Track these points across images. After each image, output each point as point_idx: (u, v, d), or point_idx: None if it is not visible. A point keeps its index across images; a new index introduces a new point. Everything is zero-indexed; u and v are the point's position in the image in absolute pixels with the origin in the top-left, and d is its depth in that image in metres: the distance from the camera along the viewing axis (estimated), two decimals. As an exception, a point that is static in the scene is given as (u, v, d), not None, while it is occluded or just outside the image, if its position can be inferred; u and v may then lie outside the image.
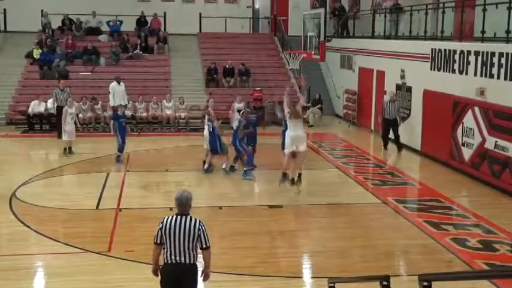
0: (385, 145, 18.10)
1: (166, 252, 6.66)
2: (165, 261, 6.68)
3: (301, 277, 9.35)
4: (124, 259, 9.52)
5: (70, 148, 16.69)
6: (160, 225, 6.69)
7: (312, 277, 9.35)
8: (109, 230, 10.72)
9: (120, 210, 11.97)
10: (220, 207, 12.35)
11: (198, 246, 6.71)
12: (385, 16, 20.95)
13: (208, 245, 6.74)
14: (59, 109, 18.22)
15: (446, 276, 6.28)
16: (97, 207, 12.23)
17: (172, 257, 6.63)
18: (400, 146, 17.69)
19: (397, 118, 17.77)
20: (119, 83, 20.47)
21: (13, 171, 15.52)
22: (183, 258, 6.63)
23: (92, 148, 18.08)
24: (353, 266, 9.56)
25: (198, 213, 12.09)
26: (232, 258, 9.72)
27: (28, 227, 10.97)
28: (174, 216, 6.71)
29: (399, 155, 17.46)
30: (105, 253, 9.71)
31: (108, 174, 14.74)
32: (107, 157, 16.75)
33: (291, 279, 9.06)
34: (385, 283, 5.54)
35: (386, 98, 18.31)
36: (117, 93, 20.38)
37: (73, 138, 16.84)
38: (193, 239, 6.65)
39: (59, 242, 10.25)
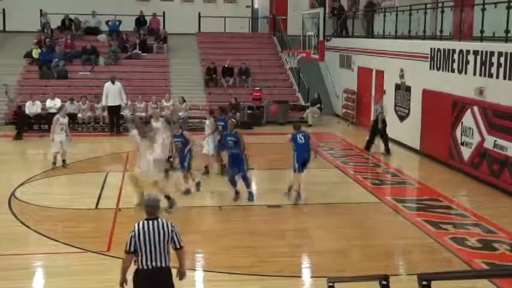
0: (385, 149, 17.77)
1: (142, 258, 6.53)
2: (141, 267, 6.55)
3: (300, 277, 9.35)
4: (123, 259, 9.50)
5: (64, 161, 15.31)
6: (133, 233, 6.54)
7: (311, 276, 9.35)
8: (108, 230, 10.71)
9: (120, 209, 11.97)
10: (220, 207, 12.35)
11: (170, 248, 6.68)
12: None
13: (182, 244, 6.72)
14: None
15: (446, 275, 6.28)
16: (96, 206, 12.23)
17: (149, 263, 6.53)
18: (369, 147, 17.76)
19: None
20: (113, 83, 20.51)
21: (12, 170, 15.52)
22: (159, 263, 6.57)
23: (91, 148, 18.09)
24: (352, 265, 9.56)
25: (197, 213, 12.16)
26: (231, 257, 9.72)
27: (27, 226, 10.97)
28: (145, 222, 6.61)
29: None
30: (105, 253, 9.71)
31: (107, 174, 14.73)
32: (106, 157, 16.74)
33: (290, 279, 9.06)
34: (384, 282, 5.54)
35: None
36: (110, 93, 20.47)
37: (65, 148, 15.35)
38: (167, 241, 6.62)
39: (58, 241, 10.24)
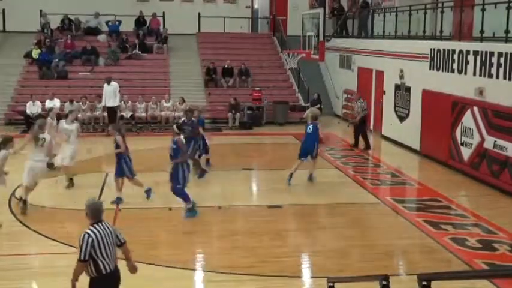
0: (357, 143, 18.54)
1: (102, 263, 6.45)
2: (103, 272, 6.47)
3: (300, 277, 9.35)
4: (124, 259, 9.49)
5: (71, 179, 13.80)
6: (90, 239, 6.40)
7: (311, 277, 9.35)
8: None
9: (120, 210, 11.97)
10: (219, 207, 12.34)
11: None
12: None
13: (125, 239, 6.78)
14: None
15: (446, 275, 6.28)
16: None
17: (109, 266, 6.52)
18: (368, 145, 18.27)
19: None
20: (108, 84, 20.52)
21: (12, 171, 15.48)
22: (114, 264, 6.61)
23: (91, 148, 18.07)
24: (352, 265, 9.57)
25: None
26: (231, 258, 9.72)
27: (27, 227, 10.97)
28: (97, 227, 6.52)
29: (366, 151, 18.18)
30: (105, 253, 9.70)
31: (107, 174, 14.71)
32: (106, 157, 16.69)
33: (290, 279, 9.06)
34: (384, 283, 5.54)
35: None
36: (106, 94, 20.52)
37: (67, 162, 13.64)
38: (115, 241, 6.64)
39: (58, 242, 10.24)
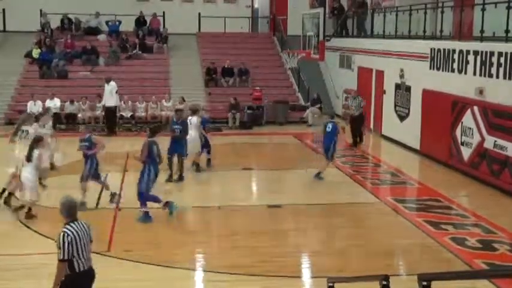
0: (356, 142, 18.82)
1: (77, 262, 6.40)
2: (77, 270, 6.41)
3: (300, 277, 9.35)
4: (123, 259, 9.51)
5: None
6: (69, 239, 6.35)
7: (311, 277, 9.35)
8: (108, 230, 10.71)
9: (120, 209, 11.97)
10: (219, 207, 12.34)
11: None
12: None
13: (92, 238, 6.76)
14: None
15: (446, 275, 6.28)
16: (96, 206, 12.22)
17: (84, 265, 6.47)
18: (361, 139, 18.88)
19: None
20: (107, 83, 20.53)
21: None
22: (90, 262, 6.58)
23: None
24: (352, 265, 9.57)
25: (196, 213, 12.14)
26: (231, 257, 9.72)
27: (27, 227, 10.96)
28: (74, 225, 6.47)
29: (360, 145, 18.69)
30: (105, 253, 9.69)
31: (107, 174, 14.69)
32: (106, 157, 16.69)
33: (290, 279, 9.06)
34: (384, 283, 5.54)
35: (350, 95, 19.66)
36: (105, 94, 20.51)
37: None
38: (90, 239, 6.62)
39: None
